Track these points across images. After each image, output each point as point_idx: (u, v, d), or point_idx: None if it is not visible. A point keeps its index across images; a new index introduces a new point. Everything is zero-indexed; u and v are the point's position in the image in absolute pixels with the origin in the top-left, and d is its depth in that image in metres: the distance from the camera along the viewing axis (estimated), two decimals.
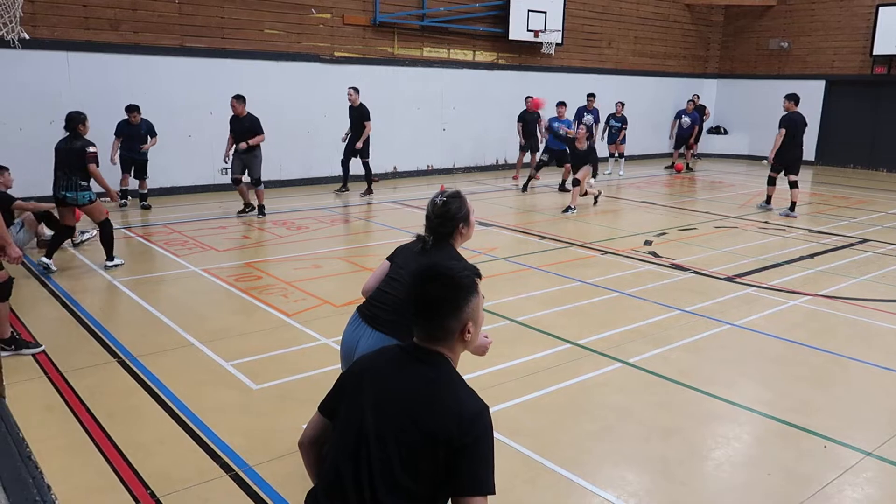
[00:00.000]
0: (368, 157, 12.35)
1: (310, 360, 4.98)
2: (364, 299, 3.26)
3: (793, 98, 11.27)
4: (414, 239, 3.24)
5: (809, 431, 4.10)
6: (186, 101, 11.90)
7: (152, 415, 4.17)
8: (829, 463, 3.77)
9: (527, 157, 14.73)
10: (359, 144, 12.05)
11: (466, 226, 3.19)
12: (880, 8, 17.12)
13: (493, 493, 1.88)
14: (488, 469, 1.89)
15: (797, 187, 11.43)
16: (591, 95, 15.55)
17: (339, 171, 13.86)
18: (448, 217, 3.11)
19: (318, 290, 6.74)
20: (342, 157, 12.37)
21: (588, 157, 11.49)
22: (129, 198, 11.00)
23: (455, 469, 1.86)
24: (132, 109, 10.50)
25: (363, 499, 1.91)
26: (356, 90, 11.99)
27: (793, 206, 11.28)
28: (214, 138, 12.28)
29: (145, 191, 10.89)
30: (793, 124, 11.11)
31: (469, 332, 2.04)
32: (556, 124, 13.22)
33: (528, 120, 14.35)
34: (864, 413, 4.43)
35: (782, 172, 11.44)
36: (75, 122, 7.05)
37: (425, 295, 2.00)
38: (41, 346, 5.05)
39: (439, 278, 2.01)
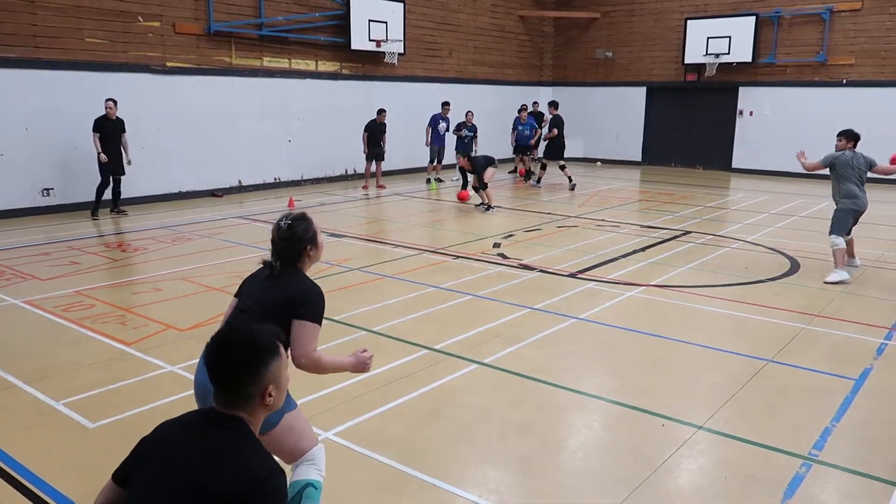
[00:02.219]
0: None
1: (155, 391, 4.66)
2: None
3: (554, 104, 16.29)
4: (260, 266, 3.10)
5: (650, 412, 4.42)
6: None
7: None
8: (667, 440, 4.08)
9: (373, 167, 14.82)
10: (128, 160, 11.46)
11: (314, 248, 3.11)
12: (688, 21, 18.91)
13: None
14: None
15: (565, 169, 15.52)
16: (445, 103, 15.94)
17: (178, 188, 13.20)
18: (295, 240, 3.02)
19: (160, 314, 6.32)
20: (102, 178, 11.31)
21: (487, 161, 12.22)
22: None
23: None
24: None
25: None
26: (115, 102, 11.22)
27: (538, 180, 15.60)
28: (33, 157, 11.21)
29: None
30: (560, 123, 15.95)
31: (270, 396, 1.95)
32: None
33: (373, 130, 14.57)
34: (695, 390, 4.84)
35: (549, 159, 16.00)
36: None
37: (223, 360, 1.91)
38: None
39: (238, 343, 1.92)
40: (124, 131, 11.36)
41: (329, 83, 15.76)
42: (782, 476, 3.67)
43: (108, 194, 11.38)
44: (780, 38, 18.00)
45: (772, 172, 18.19)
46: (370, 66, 16.61)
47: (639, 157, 20.80)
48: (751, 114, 18.79)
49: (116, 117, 11.26)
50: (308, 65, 15.37)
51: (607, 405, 4.57)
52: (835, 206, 7.82)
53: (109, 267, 8.15)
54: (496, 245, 9.30)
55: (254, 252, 8.87)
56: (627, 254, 8.90)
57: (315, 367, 2.93)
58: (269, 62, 14.58)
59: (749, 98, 18.75)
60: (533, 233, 10.26)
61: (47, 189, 11.54)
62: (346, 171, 16.37)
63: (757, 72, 18.53)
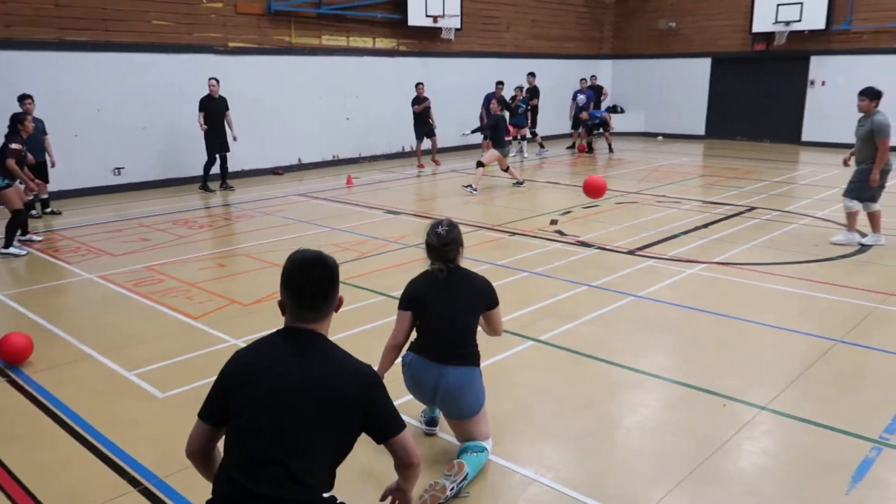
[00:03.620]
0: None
1: (219, 363, 4.76)
2: (400, 345, 3.59)
3: (533, 74, 16.76)
4: (421, 276, 3.58)
5: (710, 392, 4.33)
6: (71, 98, 11.19)
7: (50, 435, 3.92)
8: (728, 420, 3.99)
9: (425, 144, 14.71)
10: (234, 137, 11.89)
11: (462, 246, 3.62)
12: None
13: (405, 426, 2.29)
14: (396, 412, 2.29)
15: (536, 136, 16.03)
16: (499, 83, 15.79)
17: (241, 167, 13.52)
18: (456, 243, 3.53)
19: (224, 289, 6.52)
20: (209, 155, 11.89)
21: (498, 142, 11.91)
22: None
23: (376, 423, 2.23)
24: (24, 98, 9.68)
25: (284, 474, 2.06)
26: (217, 81, 11.67)
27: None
28: (104, 137, 11.65)
29: (45, 195, 10.13)
30: (538, 93, 16.30)
31: (341, 304, 2.35)
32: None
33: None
34: (759, 371, 4.71)
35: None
36: (13, 121, 7.99)
37: (311, 277, 2.23)
38: None
39: (319, 263, 2.26)
40: (227, 109, 11.77)
41: (386, 60, 15.79)
42: (851, 459, 3.55)
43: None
44: (856, 3, 17.05)
45: (844, 145, 17.11)
46: (427, 42, 16.55)
47: (702, 132, 20.16)
48: (822, 84, 17.93)
49: (220, 95, 11.66)
50: (365, 42, 15.42)
51: (666, 384, 4.50)
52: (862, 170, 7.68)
53: (177, 243, 8.44)
54: (553, 222, 9.21)
55: (314, 228, 9.04)
56: (689, 230, 8.69)
57: (501, 333, 3.83)
58: (327, 40, 14.70)
59: (821, 68, 17.88)
60: (591, 209, 10.11)
61: (118, 168, 11.99)
62: (404, 148, 16.43)
63: (831, 39, 17.64)
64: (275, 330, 2.32)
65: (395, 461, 2.37)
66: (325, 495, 2.21)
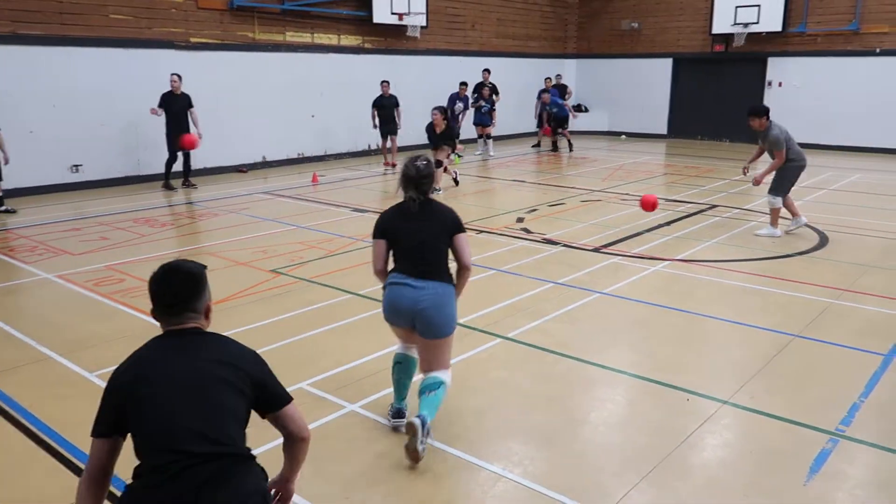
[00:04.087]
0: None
1: None
2: (387, 272, 3.80)
3: (488, 71, 16.29)
4: (392, 208, 3.82)
5: (674, 387, 4.41)
6: (25, 93, 10.88)
7: (6, 438, 3.82)
8: (691, 415, 4.07)
9: (388, 142, 14.62)
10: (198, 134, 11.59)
11: (435, 183, 3.98)
12: None
13: (292, 399, 2.39)
14: (281, 385, 2.40)
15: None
16: (463, 84, 15.83)
17: (204, 164, 13.31)
18: (429, 175, 3.76)
19: None
20: (170, 152, 11.62)
21: (447, 139, 11.67)
22: None
23: (267, 394, 2.32)
24: None
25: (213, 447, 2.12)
26: (180, 77, 11.46)
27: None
28: (60, 133, 11.36)
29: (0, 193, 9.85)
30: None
31: (210, 312, 2.42)
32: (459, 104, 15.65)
33: (383, 105, 14.26)
34: (720, 365, 4.82)
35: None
36: None
37: (173, 284, 2.34)
38: None
39: (178, 271, 2.37)
40: (191, 106, 11.50)
41: (352, 57, 15.70)
42: (808, 451, 3.66)
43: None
44: (811, 7, 17.52)
45: (801, 145, 17.75)
46: (392, 39, 16.51)
47: (664, 131, 20.50)
48: (780, 85, 18.38)
49: (182, 92, 11.38)
50: (330, 39, 15.31)
51: (632, 380, 4.57)
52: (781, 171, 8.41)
53: (138, 242, 8.28)
54: (520, 220, 9.27)
55: (279, 227, 8.95)
56: (652, 228, 8.83)
57: (470, 266, 3.81)
58: (291, 37, 14.56)
59: (778, 69, 18.33)
60: (556, 207, 10.21)
61: (76, 165, 11.71)
62: (370, 146, 16.36)
63: (787, 42, 18.08)
64: (145, 343, 2.34)
65: (285, 438, 2.43)
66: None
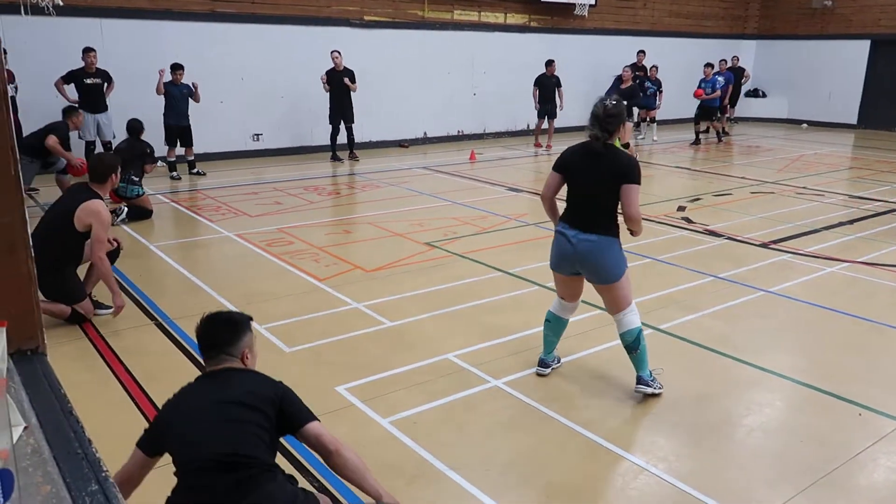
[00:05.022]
0: (353, 122, 12.35)
1: (340, 324, 5.05)
2: (555, 206, 4.06)
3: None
4: (577, 145, 3.85)
5: (844, 399, 4.05)
6: (218, 67, 11.93)
7: (189, 375, 4.22)
8: (863, 431, 3.72)
9: (545, 123, 14.44)
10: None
11: (623, 126, 3.85)
12: None
13: (317, 419, 2.54)
14: (303, 406, 2.56)
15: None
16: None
17: (368, 138, 13.89)
18: (618, 115, 3.72)
19: (348, 255, 6.79)
20: (332, 125, 12.21)
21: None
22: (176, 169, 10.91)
23: (287, 414, 2.49)
24: (177, 68, 10.50)
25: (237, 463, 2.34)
26: (340, 53, 11.90)
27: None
28: (246, 104, 12.35)
29: (192, 157, 10.94)
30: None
31: (247, 358, 2.61)
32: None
33: (544, 84, 14.07)
34: None
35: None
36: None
37: (210, 331, 2.58)
38: (111, 307, 5.07)
39: (217, 319, 2.61)
40: (354, 81, 11.98)
41: (517, 36, 15.64)
42: None
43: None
44: None
45: None
46: (559, 18, 16.23)
47: (854, 120, 18.58)
48: None
49: (344, 67, 11.98)
50: (497, 17, 15.33)
51: (795, 386, 4.25)
52: None
53: (307, 208, 8.85)
54: (681, 208, 8.85)
55: (436, 202, 9.19)
56: (831, 226, 8.08)
57: (638, 220, 3.78)
58: (459, 15, 14.75)
59: None
60: (723, 197, 9.63)
61: (257, 134, 12.69)
62: (529, 125, 16.28)
63: None
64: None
65: (321, 456, 2.56)
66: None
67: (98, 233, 4.75)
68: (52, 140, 7.96)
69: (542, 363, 4.27)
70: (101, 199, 4.91)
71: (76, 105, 9.26)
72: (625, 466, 3.40)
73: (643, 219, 3.91)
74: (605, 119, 3.69)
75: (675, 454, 3.53)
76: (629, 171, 3.72)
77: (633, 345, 3.93)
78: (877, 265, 6.61)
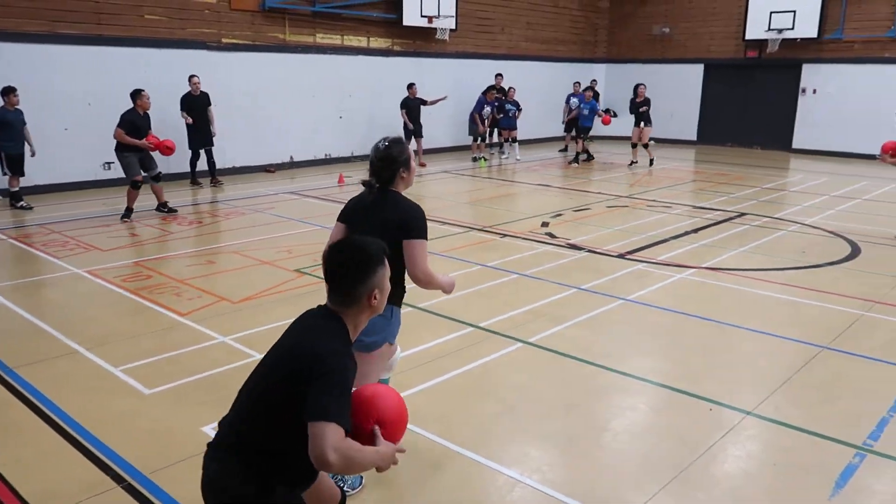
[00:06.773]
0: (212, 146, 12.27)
1: (206, 360, 4.80)
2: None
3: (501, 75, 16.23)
4: (362, 190, 3.30)
5: (697, 396, 4.34)
6: (62, 92, 11.11)
7: (32, 429, 3.89)
8: (714, 425, 4.01)
9: (412, 145, 14.72)
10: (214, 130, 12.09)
11: (407, 171, 3.29)
12: None
13: (335, 420, 2.00)
14: (332, 400, 2.04)
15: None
16: (490, 87, 15.82)
17: (232, 163, 13.45)
18: (390, 160, 3.22)
19: (213, 286, 6.49)
20: (192, 151, 12.04)
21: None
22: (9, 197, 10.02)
23: (305, 393, 2.06)
24: (9, 91, 9.66)
25: (234, 431, 2.20)
26: (199, 78, 11.86)
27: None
28: (95, 131, 11.55)
29: (17, 188, 10.08)
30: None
31: (375, 298, 2.27)
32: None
33: (410, 106, 14.70)
34: (745, 376, 4.73)
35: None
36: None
37: (339, 262, 2.27)
38: None
39: (353, 249, 2.29)
40: (210, 104, 11.88)
41: (380, 59, 15.77)
42: (834, 465, 3.57)
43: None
44: (848, 13, 17.19)
45: (835, 153, 17.50)
46: (422, 42, 16.55)
47: (694, 137, 20.26)
48: (814, 92, 18.05)
49: (201, 92, 11.76)
50: (360, 41, 15.40)
51: (654, 388, 4.51)
52: None
53: (166, 239, 8.40)
54: (544, 224, 9.23)
55: (305, 227, 9.01)
56: (679, 235, 8.72)
57: (429, 281, 3.21)
58: (321, 39, 14.67)
59: (813, 76, 18.00)
60: (582, 212, 10.14)
61: (108, 163, 11.89)
62: None
63: (822, 48, 17.76)
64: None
65: None
66: None
67: None
68: None
69: None
70: None
71: None
72: (500, 481, 3.45)
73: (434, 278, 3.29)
74: (377, 164, 3.21)
75: (549, 464, 3.63)
76: (410, 224, 3.13)
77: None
78: (719, 269, 7.19)
